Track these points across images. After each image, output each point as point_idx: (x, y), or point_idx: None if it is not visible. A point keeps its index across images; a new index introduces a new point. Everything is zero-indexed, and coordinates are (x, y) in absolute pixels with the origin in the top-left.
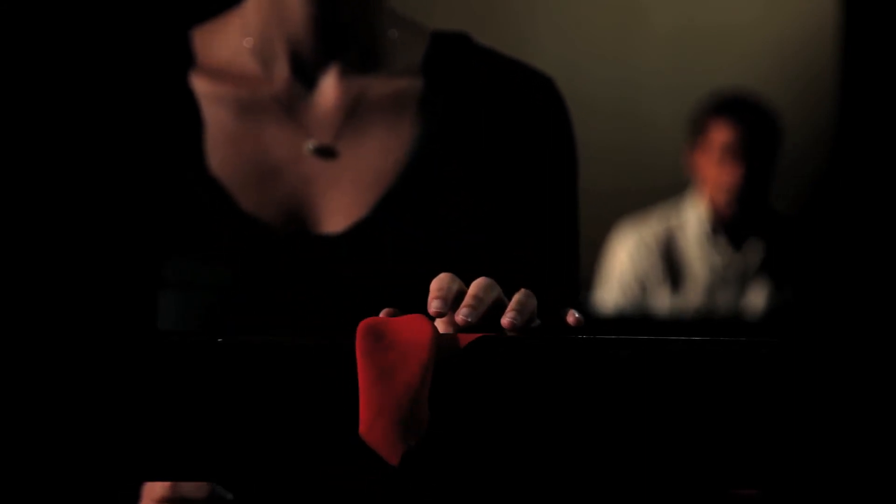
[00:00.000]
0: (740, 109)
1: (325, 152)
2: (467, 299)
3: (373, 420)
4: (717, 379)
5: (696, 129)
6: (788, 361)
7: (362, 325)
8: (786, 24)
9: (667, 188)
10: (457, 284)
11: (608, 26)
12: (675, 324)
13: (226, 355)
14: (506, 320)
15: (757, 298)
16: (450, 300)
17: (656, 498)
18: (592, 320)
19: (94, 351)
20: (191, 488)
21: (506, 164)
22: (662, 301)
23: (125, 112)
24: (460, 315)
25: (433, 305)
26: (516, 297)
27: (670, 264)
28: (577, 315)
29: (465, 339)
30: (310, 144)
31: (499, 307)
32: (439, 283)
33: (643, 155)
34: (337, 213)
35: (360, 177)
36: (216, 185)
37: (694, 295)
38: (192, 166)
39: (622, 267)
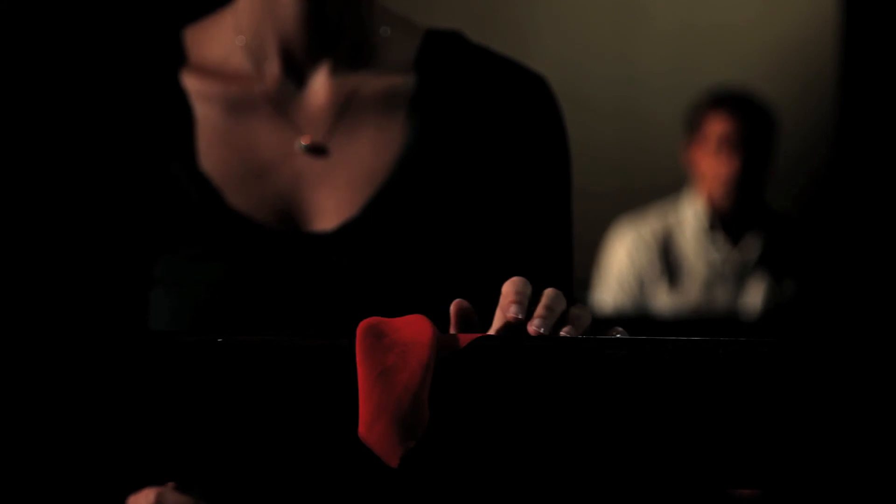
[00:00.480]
0: (736, 102)
1: (316, 150)
2: (541, 310)
3: (372, 421)
4: (717, 379)
5: (693, 124)
6: (787, 361)
7: (362, 325)
8: (785, 23)
9: (665, 186)
10: (529, 289)
11: (608, 25)
12: (673, 323)
13: (226, 355)
14: (562, 332)
15: (755, 294)
16: (526, 306)
17: (656, 498)
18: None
19: (89, 352)
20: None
21: (498, 164)
22: (661, 298)
23: (116, 110)
24: (533, 326)
25: (512, 310)
26: (573, 311)
27: (668, 261)
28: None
29: (465, 339)
30: (301, 142)
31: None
32: (516, 287)
33: (642, 153)
34: (328, 212)
35: (351, 175)
36: (207, 183)
37: (692, 291)
38: (183, 164)
39: (621, 265)
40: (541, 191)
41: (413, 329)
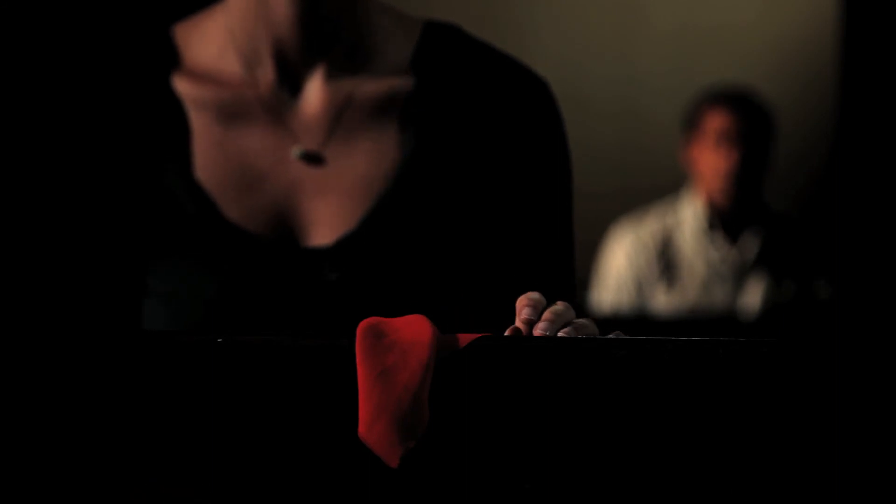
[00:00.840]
0: (734, 98)
1: (312, 158)
2: (548, 314)
3: (372, 421)
4: (717, 379)
5: (691, 121)
6: (787, 361)
7: (362, 325)
8: (785, 23)
9: (664, 186)
10: (544, 301)
11: (608, 25)
12: (673, 323)
13: (226, 355)
14: (561, 333)
15: (753, 294)
16: (540, 311)
17: (655, 498)
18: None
19: (88, 352)
20: None
21: (498, 171)
22: (660, 299)
23: (108, 116)
24: (538, 330)
25: (525, 312)
26: (579, 320)
27: (667, 262)
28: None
29: (465, 339)
30: (296, 150)
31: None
32: (530, 294)
33: (642, 153)
34: (325, 223)
35: (348, 184)
36: (202, 193)
37: (691, 291)
38: (178, 173)
39: (619, 267)
40: (541, 199)
41: (413, 329)
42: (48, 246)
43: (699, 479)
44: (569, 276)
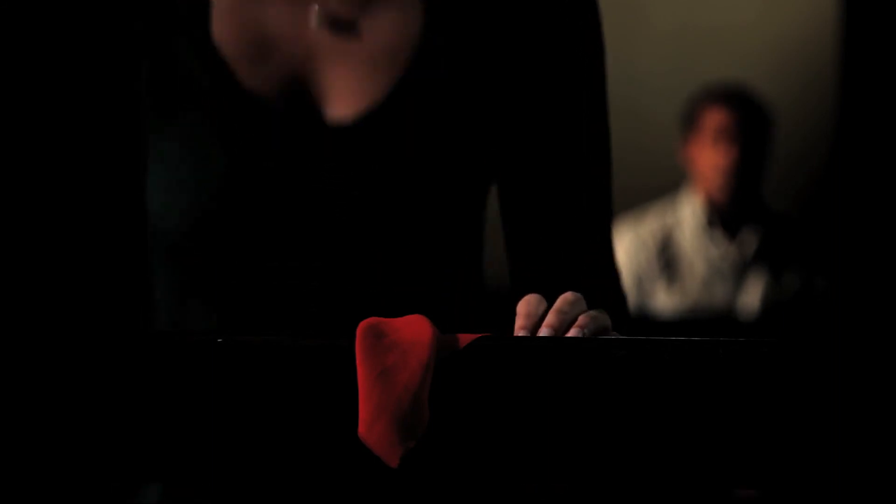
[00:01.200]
0: (731, 95)
1: (334, 24)
2: (551, 316)
3: (372, 421)
4: (717, 379)
5: (689, 120)
6: (787, 361)
7: (362, 325)
8: (785, 23)
9: (664, 186)
10: (543, 306)
11: (608, 25)
12: (673, 323)
13: (225, 355)
14: (569, 333)
15: (753, 292)
16: (533, 326)
17: (656, 498)
18: None
19: (89, 350)
20: None
21: (527, 40)
22: (660, 297)
23: None
24: (541, 334)
25: (519, 334)
26: (590, 313)
27: (667, 260)
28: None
29: (465, 339)
30: (316, 13)
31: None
32: (527, 308)
33: (642, 153)
34: (345, 94)
35: (370, 53)
36: (214, 57)
37: (691, 289)
38: (190, 35)
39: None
40: (574, 67)
41: (413, 329)
42: (51, 108)
43: (699, 478)
44: (605, 154)
